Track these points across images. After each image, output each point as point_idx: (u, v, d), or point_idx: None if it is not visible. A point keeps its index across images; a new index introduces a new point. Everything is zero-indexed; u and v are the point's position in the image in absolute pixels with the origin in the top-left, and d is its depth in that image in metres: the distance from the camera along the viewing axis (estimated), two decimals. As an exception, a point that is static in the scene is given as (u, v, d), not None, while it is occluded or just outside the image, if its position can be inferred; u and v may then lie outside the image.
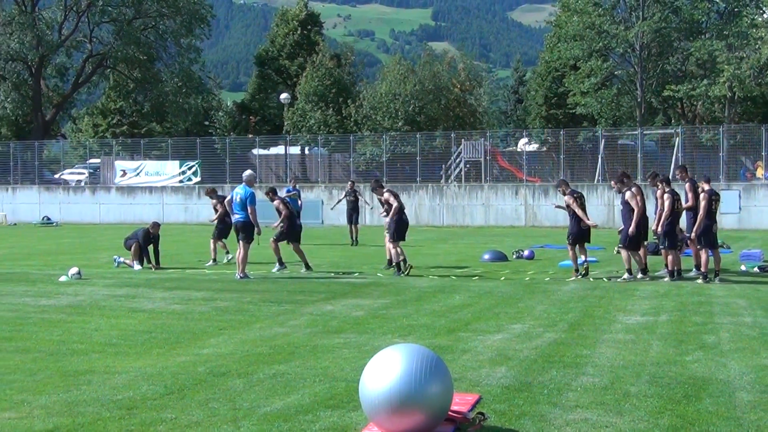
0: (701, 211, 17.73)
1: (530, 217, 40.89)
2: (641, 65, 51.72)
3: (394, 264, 19.86)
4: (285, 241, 20.72)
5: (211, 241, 23.02)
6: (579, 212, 18.42)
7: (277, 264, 20.46)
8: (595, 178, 43.95)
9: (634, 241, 18.09)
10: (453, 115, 61.71)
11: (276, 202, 20.77)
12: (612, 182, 19.70)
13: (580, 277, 18.31)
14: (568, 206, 18.62)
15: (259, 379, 8.98)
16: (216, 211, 23.23)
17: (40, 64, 63.93)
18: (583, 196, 19.15)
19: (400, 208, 19.78)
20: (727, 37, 48.87)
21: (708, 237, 17.77)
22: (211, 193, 24.27)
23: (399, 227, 19.74)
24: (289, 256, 20.96)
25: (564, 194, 18.78)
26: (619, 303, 14.64)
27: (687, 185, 18.63)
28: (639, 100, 52.49)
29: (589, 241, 18.85)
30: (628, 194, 18.26)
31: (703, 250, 17.85)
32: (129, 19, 64.26)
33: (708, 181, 18.55)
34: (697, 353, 10.24)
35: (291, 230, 20.72)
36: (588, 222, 18.50)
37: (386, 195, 20.02)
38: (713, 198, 18.01)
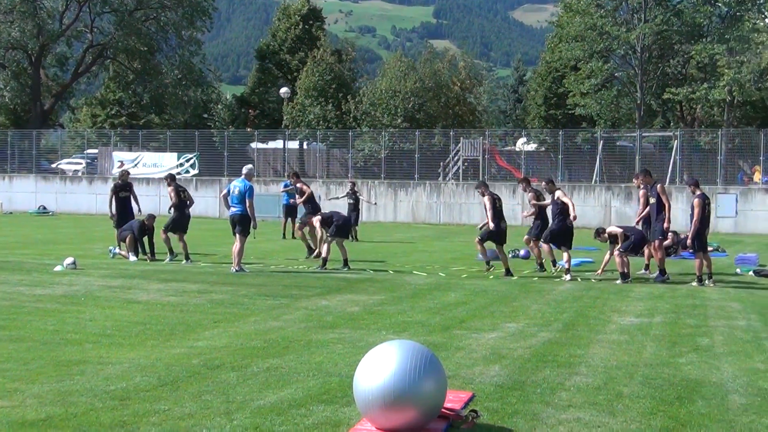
0: (696, 216, 17.84)
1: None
2: (642, 67, 51.72)
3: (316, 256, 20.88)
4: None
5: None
6: (488, 214, 19.32)
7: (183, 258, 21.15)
8: (593, 179, 43.98)
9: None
10: (452, 113, 61.70)
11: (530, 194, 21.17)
12: (544, 184, 20.38)
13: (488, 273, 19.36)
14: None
15: (252, 372, 8.98)
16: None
17: (41, 54, 63.86)
18: (500, 198, 20.10)
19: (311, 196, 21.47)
20: (728, 41, 48.85)
21: (701, 240, 17.88)
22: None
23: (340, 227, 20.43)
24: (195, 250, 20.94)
25: (483, 195, 19.55)
26: (613, 304, 14.66)
27: (659, 187, 18.85)
28: (639, 102, 52.48)
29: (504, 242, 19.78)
30: (558, 193, 19.24)
31: (698, 254, 17.94)
32: (130, 10, 64.19)
33: (697, 185, 18.58)
34: (690, 355, 10.26)
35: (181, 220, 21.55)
36: (491, 224, 19.27)
37: (299, 185, 21.38)
38: (706, 202, 18.11)
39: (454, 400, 7.66)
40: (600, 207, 39.80)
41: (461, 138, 47.16)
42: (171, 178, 22.50)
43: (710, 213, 18.49)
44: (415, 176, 44.30)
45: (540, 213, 20.55)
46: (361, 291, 15.99)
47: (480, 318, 12.96)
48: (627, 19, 52.80)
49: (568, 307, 14.27)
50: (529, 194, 21.01)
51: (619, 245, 18.24)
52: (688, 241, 18.43)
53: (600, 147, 45.18)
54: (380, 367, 6.82)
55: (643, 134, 47.31)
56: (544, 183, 20.24)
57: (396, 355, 6.88)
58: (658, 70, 52.76)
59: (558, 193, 19.26)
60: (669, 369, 9.44)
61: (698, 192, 18.15)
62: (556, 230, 19.11)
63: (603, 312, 13.71)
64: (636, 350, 10.52)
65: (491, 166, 47.75)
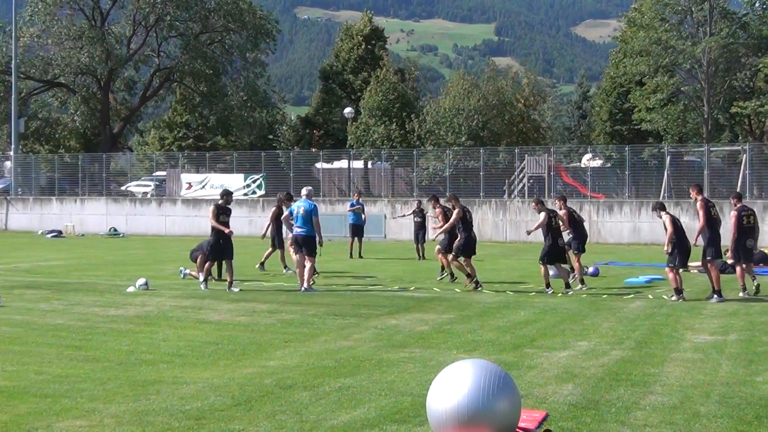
0: (731, 228, 17.90)
1: (594, 234, 40.43)
2: (708, 81, 51.07)
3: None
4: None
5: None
6: (446, 224, 20.38)
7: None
8: (661, 195, 43.48)
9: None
10: (516, 131, 61.53)
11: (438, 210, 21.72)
12: (533, 204, 20.56)
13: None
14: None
15: (325, 392, 9.02)
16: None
17: (109, 78, 64.97)
18: (469, 211, 20.61)
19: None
20: (797, 53, 48.13)
21: (742, 250, 17.92)
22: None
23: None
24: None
25: (454, 208, 20.20)
26: (686, 321, 14.47)
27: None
28: (706, 116, 51.82)
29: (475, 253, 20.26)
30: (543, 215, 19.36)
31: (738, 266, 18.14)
32: (196, 34, 65.03)
33: (739, 198, 18.55)
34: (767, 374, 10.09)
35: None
36: (439, 231, 20.67)
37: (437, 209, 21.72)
38: (743, 214, 17.95)
39: (527, 419, 7.61)
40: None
41: (526, 155, 46.96)
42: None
43: (755, 224, 18.29)
44: (481, 194, 44.16)
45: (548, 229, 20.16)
46: (430, 310, 15.98)
47: (551, 336, 12.88)
48: (692, 33, 52.19)
49: (639, 324, 14.12)
50: (437, 209, 21.57)
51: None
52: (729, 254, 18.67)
53: (667, 162, 44.67)
54: (454, 386, 6.82)
55: (711, 149, 46.68)
56: (533, 204, 20.49)
57: (469, 374, 6.87)
58: (725, 84, 52.04)
59: (543, 215, 19.28)
60: (746, 388, 9.30)
61: (738, 205, 18.14)
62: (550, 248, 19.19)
63: (676, 330, 13.54)
64: (711, 369, 10.38)
65: (557, 182, 47.45)
